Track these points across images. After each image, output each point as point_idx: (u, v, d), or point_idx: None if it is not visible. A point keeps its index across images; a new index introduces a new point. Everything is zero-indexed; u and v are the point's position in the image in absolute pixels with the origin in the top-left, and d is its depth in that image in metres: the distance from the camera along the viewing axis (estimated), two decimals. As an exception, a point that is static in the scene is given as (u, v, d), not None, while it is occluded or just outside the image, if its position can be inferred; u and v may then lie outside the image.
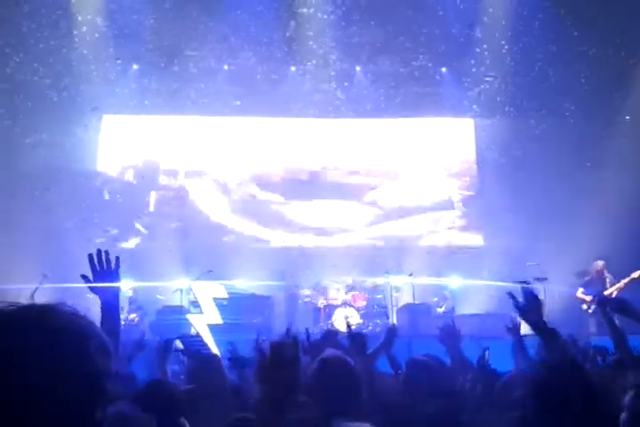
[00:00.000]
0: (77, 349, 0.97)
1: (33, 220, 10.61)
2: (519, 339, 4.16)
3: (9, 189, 10.73)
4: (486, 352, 3.41)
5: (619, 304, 3.45)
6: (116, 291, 2.23)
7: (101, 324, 1.89)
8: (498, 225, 11.70)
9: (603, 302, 3.62)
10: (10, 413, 0.90)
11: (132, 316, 9.89)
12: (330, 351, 2.76)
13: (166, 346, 3.08)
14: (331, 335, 3.72)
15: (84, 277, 2.22)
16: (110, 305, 2.16)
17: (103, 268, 2.21)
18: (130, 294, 10.18)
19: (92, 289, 2.20)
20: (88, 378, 0.96)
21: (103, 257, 2.23)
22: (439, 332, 3.98)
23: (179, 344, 2.91)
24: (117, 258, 2.26)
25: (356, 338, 3.22)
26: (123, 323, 9.28)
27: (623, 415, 1.95)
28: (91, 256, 2.22)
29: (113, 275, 2.23)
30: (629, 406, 1.94)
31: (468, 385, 3.23)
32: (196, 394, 2.77)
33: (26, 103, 11.17)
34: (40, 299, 8.03)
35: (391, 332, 4.23)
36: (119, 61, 11.54)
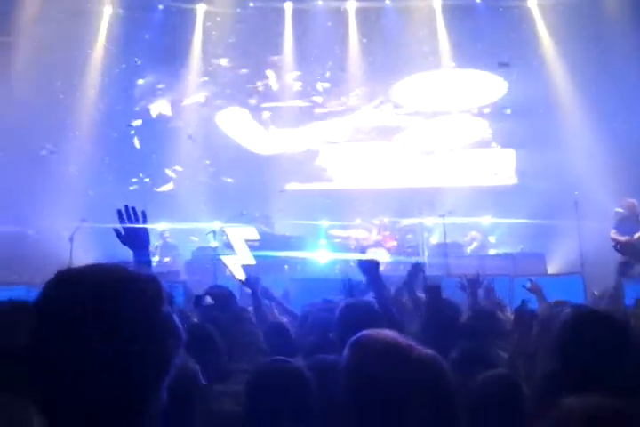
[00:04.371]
0: (153, 311, 1.00)
1: (71, 166, 10.80)
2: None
3: (46, 139, 10.87)
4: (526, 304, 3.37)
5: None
6: (147, 245, 2.30)
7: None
8: (532, 163, 11.44)
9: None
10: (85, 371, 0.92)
11: (166, 259, 10.17)
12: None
13: (197, 302, 3.14)
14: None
15: (117, 232, 2.30)
16: (143, 261, 2.25)
17: (132, 222, 2.29)
18: (166, 234, 10.44)
19: (124, 242, 2.28)
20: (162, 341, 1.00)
21: (131, 212, 2.30)
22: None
23: (209, 300, 2.97)
24: (144, 212, 2.33)
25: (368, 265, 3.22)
26: (156, 264, 9.58)
27: None
28: (119, 211, 2.29)
29: (142, 230, 2.30)
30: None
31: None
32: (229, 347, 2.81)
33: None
34: (78, 242, 8.33)
35: (416, 267, 4.11)
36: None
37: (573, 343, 1.89)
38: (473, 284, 4.00)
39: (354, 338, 1.48)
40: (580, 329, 1.91)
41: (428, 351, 1.43)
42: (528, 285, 4.03)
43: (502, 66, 10.43)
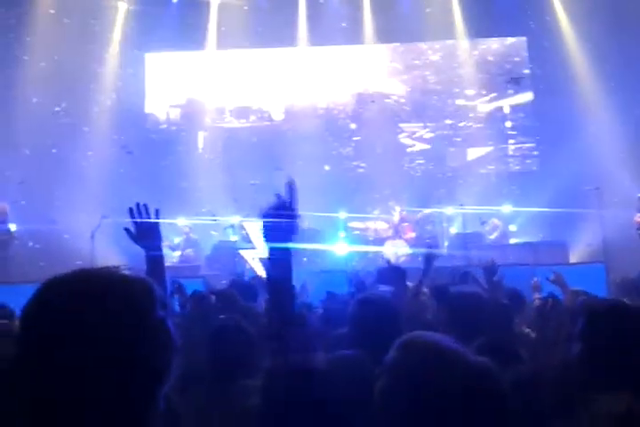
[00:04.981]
0: (141, 322, 0.96)
1: (88, 165, 10.92)
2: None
3: (63, 138, 10.98)
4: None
5: None
6: (159, 243, 2.28)
7: (147, 275, 1.95)
8: (553, 149, 11.26)
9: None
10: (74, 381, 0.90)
11: (188, 251, 10.26)
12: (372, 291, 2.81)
13: (201, 301, 3.12)
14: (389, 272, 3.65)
15: (127, 231, 2.28)
16: (154, 257, 2.23)
17: (144, 220, 2.27)
18: (186, 230, 10.52)
19: (136, 241, 2.28)
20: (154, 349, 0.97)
21: (143, 210, 2.28)
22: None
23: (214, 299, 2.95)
24: (157, 211, 2.31)
25: (395, 272, 3.21)
26: (178, 259, 9.63)
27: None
28: (131, 209, 2.27)
29: (153, 227, 2.28)
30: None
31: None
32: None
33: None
34: (101, 238, 8.44)
35: (429, 258, 3.78)
36: None
37: (593, 337, 1.86)
38: (489, 273, 3.87)
39: (403, 340, 1.42)
40: (601, 322, 1.88)
41: (483, 359, 1.38)
42: (552, 277, 3.91)
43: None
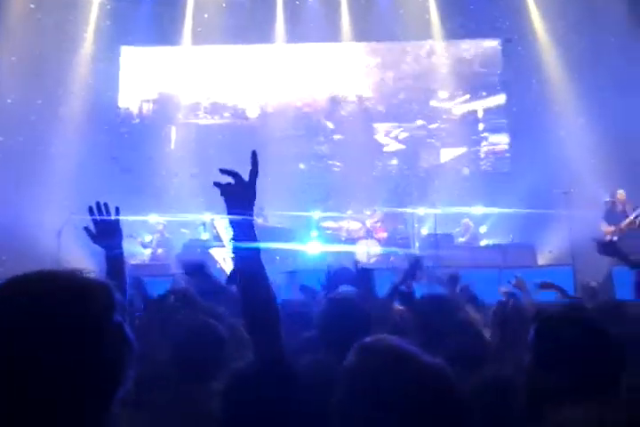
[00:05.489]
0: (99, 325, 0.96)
1: (59, 160, 10.70)
2: None
3: (36, 130, 10.75)
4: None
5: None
6: (119, 242, 2.26)
7: (107, 276, 1.93)
8: (524, 152, 11.40)
9: None
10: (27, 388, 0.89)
11: (160, 251, 10.14)
12: (340, 292, 2.79)
13: (162, 301, 3.07)
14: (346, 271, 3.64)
15: (87, 230, 2.25)
16: (114, 257, 2.21)
17: (104, 219, 2.24)
18: (160, 227, 10.39)
19: (96, 241, 2.25)
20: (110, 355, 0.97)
21: (103, 208, 2.26)
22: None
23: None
24: (117, 208, 2.29)
25: (361, 274, 3.19)
26: (149, 257, 9.50)
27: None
28: (90, 208, 2.24)
29: (113, 225, 2.25)
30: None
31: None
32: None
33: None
34: (67, 236, 8.28)
35: (414, 264, 3.65)
36: None
37: (543, 343, 1.86)
38: (452, 280, 3.91)
39: (359, 344, 1.41)
40: (551, 329, 1.87)
41: (437, 361, 1.37)
42: (513, 282, 3.95)
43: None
